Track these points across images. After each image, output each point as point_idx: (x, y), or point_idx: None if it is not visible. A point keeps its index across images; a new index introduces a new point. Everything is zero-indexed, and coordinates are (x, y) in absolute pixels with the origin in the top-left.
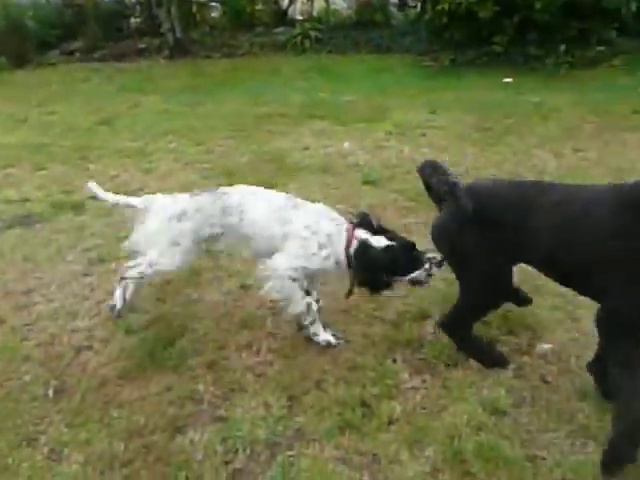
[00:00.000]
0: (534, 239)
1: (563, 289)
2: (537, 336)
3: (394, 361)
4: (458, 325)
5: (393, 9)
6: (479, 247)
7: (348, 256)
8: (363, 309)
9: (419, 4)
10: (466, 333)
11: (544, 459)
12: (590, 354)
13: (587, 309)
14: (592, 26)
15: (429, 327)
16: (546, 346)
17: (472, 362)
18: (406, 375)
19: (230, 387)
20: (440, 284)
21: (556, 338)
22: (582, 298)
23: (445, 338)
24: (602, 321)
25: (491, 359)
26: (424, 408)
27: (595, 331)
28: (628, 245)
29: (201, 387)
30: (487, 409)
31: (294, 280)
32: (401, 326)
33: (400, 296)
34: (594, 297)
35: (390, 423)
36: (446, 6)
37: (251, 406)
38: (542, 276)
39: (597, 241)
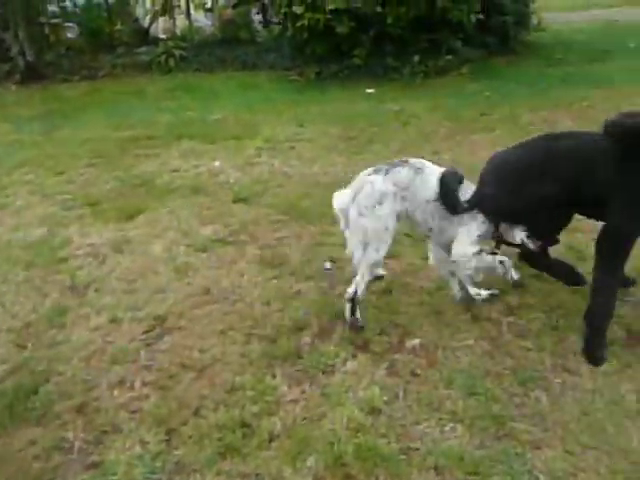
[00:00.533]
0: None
1: (428, 284)
2: (407, 332)
3: (273, 376)
4: None
5: (257, 26)
6: None
7: None
8: (239, 328)
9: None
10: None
11: (417, 449)
12: (454, 343)
13: (450, 304)
14: (440, 37)
15: (306, 338)
16: (415, 341)
17: (349, 366)
18: (285, 388)
19: (102, 429)
20: (315, 295)
21: (424, 332)
22: (445, 293)
23: (322, 346)
24: (601, 237)
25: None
26: (304, 419)
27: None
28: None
29: (70, 434)
30: (364, 410)
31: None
32: (278, 340)
33: (276, 310)
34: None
35: (271, 440)
36: (306, 22)
37: (126, 446)
38: (409, 274)
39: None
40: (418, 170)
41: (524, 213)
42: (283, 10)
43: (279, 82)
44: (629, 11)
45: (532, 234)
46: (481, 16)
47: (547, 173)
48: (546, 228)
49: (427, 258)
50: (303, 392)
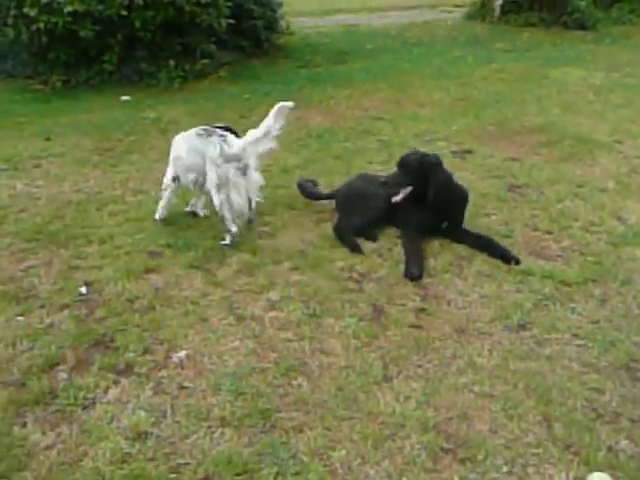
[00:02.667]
0: None
1: (192, 293)
2: (172, 346)
3: (23, 425)
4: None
5: None
6: None
7: None
8: None
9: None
10: None
11: (187, 464)
12: (220, 348)
13: (215, 309)
14: (194, 41)
15: (61, 373)
16: (182, 354)
17: (111, 394)
18: (38, 435)
19: None
20: (70, 325)
21: (190, 343)
22: (210, 299)
23: (80, 379)
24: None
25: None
26: (62, 464)
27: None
28: None
29: None
30: (130, 437)
31: None
32: (28, 383)
33: (24, 349)
34: None
35: None
36: (42, 26)
37: None
38: (172, 286)
39: None
40: None
41: None
42: (13, 12)
43: (19, 92)
44: (368, 16)
45: None
46: (232, 20)
47: None
48: None
49: (191, 267)
50: (59, 435)
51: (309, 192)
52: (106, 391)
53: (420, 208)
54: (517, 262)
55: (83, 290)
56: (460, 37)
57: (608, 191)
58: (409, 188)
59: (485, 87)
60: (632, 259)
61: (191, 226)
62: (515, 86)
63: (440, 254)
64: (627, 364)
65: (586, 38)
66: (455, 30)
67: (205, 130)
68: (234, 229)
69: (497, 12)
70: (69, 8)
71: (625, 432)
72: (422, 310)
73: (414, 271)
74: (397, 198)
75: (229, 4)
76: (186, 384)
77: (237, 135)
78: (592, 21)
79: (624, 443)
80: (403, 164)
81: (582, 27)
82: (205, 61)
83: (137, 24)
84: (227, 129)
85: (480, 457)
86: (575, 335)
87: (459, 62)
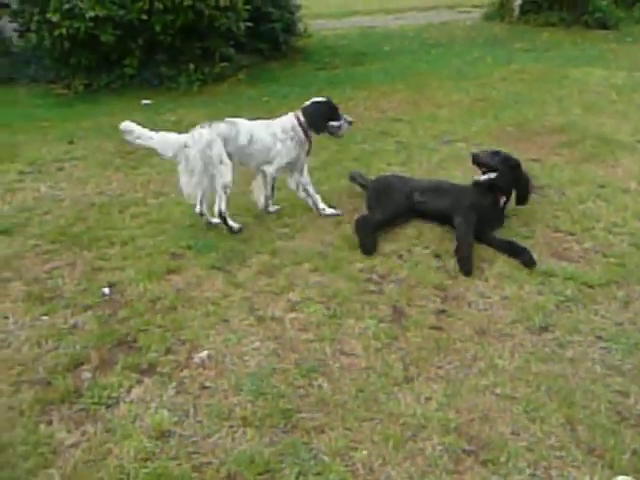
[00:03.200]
0: None
1: (213, 294)
2: (194, 347)
3: (49, 423)
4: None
5: (12, 35)
6: None
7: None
8: (4, 378)
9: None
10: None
11: (210, 463)
12: (241, 348)
13: (235, 309)
14: (213, 45)
15: (86, 373)
16: (203, 354)
17: (134, 393)
18: (64, 434)
19: None
20: (94, 325)
21: (211, 343)
22: (231, 300)
23: (104, 379)
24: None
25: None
26: (87, 462)
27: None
28: None
29: None
30: (153, 436)
31: None
32: (53, 382)
33: (49, 349)
34: None
35: None
36: (64, 31)
37: None
38: (193, 287)
39: None
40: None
41: None
42: (36, 18)
43: (42, 97)
44: (385, 18)
45: None
46: (250, 24)
47: None
48: None
49: (212, 268)
50: (84, 433)
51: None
52: (129, 390)
53: (485, 200)
54: (531, 266)
55: (106, 291)
56: (479, 38)
57: (631, 192)
58: (494, 174)
59: (504, 88)
60: None
61: (211, 228)
62: (535, 86)
63: (453, 252)
64: None
65: (607, 37)
66: (474, 31)
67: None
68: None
69: (516, 12)
70: (91, 13)
71: None
72: (442, 312)
73: (467, 267)
74: (481, 178)
75: (248, 7)
76: (208, 384)
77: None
78: (614, 20)
79: None
80: (498, 154)
81: (603, 26)
82: (224, 64)
83: (157, 28)
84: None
85: (502, 459)
86: (598, 337)
87: (478, 63)
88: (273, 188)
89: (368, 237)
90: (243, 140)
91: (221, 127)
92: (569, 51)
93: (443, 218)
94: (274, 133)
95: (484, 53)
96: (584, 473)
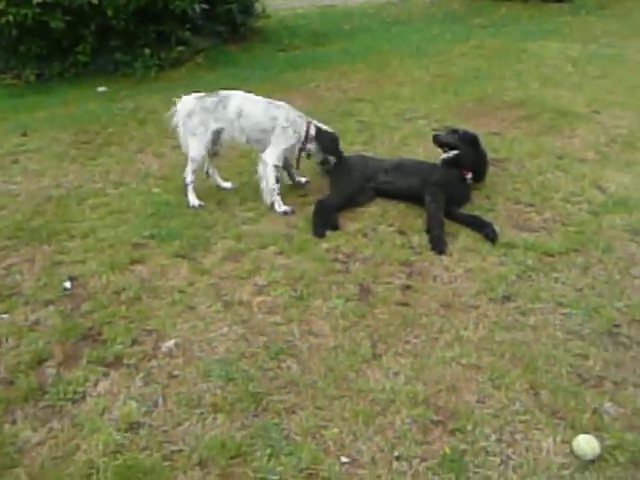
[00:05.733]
0: None
1: (179, 282)
2: (161, 336)
3: (13, 422)
4: None
5: None
6: None
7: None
8: None
9: None
10: None
11: (181, 451)
12: (209, 335)
13: (202, 296)
14: (168, 28)
15: (50, 369)
16: (170, 343)
17: (101, 387)
18: (29, 432)
19: None
20: (56, 320)
21: (178, 331)
22: (197, 287)
23: (69, 374)
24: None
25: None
26: (54, 459)
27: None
28: None
29: None
30: (122, 428)
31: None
32: (16, 381)
33: (10, 347)
34: None
35: None
36: (11, 18)
37: None
38: (158, 276)
39: None
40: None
41: None
42: None
43: None
44: None
45: None
46: (206, 5)
47: None
48: None
49: (177, 256)
50: (51, 430)
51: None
52: (96, 384)
53: (452, 177)
54: (494, 239)
55: (68, 285)
56: (438, 14)
57: (588, 161)
58: (456, 151)
59: (464, 63)
60: (612, 227)
61: (175, 215)
62: (494, 61)
63: (424, 231)
64: (610, 329)
65: (563, 10)
66: (432, 7)
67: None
68: None
69: None
70: None
71: (609, 395)
72: (408, 287)
73: (440, 247)
74: (446, 156)
75: None
76: (176, 372)
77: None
78: None
79: (608, 405)
80: (456, 132)
81: (558, 0)
82: (181, 48)
83: (109, 13)
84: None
85: (469, 427)
86: (559, 304)
87: (437, 39)
88: (291, 176)
89: (320, 220)
90: (231, 113)
91: (206, 100)
92: (526, 25)
93: (410, 196)
94: (275, 117)
95: (443, 30)
96: (547, 435)
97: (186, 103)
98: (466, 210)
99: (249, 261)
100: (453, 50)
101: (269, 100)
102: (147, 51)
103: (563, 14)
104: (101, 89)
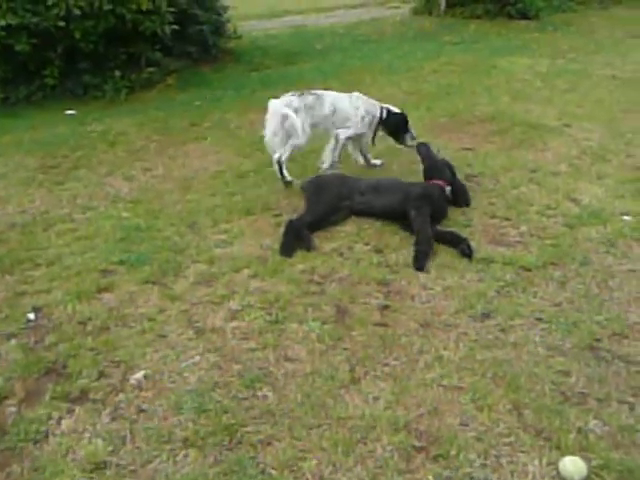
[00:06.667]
0: None
1: (149, 310)
2: (129, 368)
3: None
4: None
5: None
6: None
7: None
8: None
9: None
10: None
11: None
12: (181, 364)
13: (173, 324)
14: (138, 50)
15: (10, 408)
16: (139, 375)
17: (64, 425)
18: None
19: None
20: (18, 354)
21: (148, 362)
22: (168, 314)
23: (31, 412)
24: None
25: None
26: None
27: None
28: None
29: None
30: (87, 469)
31: None
32: None
33: None
34: None
35: None
36: None
37: None
38: (127, 304)
39: None
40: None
41: None
42: None
43: None
44: (316, 16)
45: None
46: (176, 26)
47: None
48: None
49: (147, 282)
50: (10, 475)
51: None
52: (59, 422)
53: (434, 192)
54: (469, 255)
55: (31, 316)
56: (408, 32)
57: (561, 174)
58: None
59: (435, 80)
60: (588, 239)
61: (145, 240)
62: (465, 77)
63: (401, 248)
64: (590, 344)
65: (530, 27)
66: (403, 26)
67: None
68: None
69: (443, 6)
70: (2, 22)
71: (593, 412)
72: (386, 307)
73: (422, 264)
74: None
75: (172, 10)
76: (145, 406)
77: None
78: (534, 10)
79: (593, 423)
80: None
81: (525, 17)
82: (152, 69)
83: (77, 35)
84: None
85: (453, 452)
86: (539, 319)
87: (409, 57)
88: (366, 159)
89: (289, 240)
90: (326, 110)
91: (307, 97)
92: (495, 42)
93: (390, 214)
94: (357, 107)
95: (414, 47)
96: (533, 457)
97: (290, 102)
98: (442, 226)
99: (222, 285)
100: (424, 67)
101: (347, 94)
102: (117, 73)
103: (530, 31)
104: (70, 112)
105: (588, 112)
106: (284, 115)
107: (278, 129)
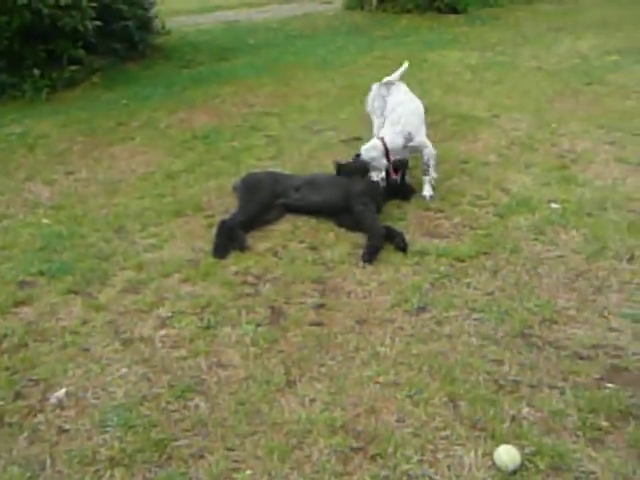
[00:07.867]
0: None
1: (71, 322)
2: (49, 386)
3: None
4: None
5: None
6: None
7: None
8: None
9: None
10: None
11: None
12: (106, 378)
13: (97, 336)
14: (58, 47)
15: None
16: (60, 392)
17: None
18: None
19: None
20: None
21: (70, 378)
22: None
23: None
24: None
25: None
26: None
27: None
28: None
29: None
30: None
31: None
32: None
33: None
34: None
35: None
36: None
37: None
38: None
39: None
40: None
41: None
42: None
43: None
44: (248, 11)
45: None
46: (99, 22)
47: None
48: None
49: (69, 293)
50: None
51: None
52: None
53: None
54: (403, 249)
55: None
56: (341, 27)
57: (491, 164)
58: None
59: (369, 74)
60: (518, 228)
61: (67, 248)
62: None
63: (336, 245)
64: (522, 331)
65: (459, 21)
66: (336, 20)
67: None
68: None
69: (374, 1)
70: None
71: (526, 399)
72: (322, 306)
73: (372, 257)
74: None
75: (94, 5)
76: (67, 426)
77: None
78: (463, 5)
79: (525, 411)
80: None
81: (454, 11)
82: (74, 67)
83: None
84: None
85: (390, 450)
86: (472, 309)
87: (342, 51)
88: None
89: (222, 241)
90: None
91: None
92: (426, 36)
93: (328, 211)
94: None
95: (347, 42)
96: (469, 449)
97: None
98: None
99: (151, 292)
100: (358, 61)
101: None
102: (36, 72)
103: (460, 24)
104: None
105: (516, 103)
106: None
107: None
